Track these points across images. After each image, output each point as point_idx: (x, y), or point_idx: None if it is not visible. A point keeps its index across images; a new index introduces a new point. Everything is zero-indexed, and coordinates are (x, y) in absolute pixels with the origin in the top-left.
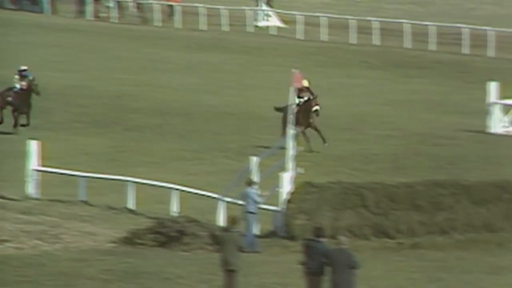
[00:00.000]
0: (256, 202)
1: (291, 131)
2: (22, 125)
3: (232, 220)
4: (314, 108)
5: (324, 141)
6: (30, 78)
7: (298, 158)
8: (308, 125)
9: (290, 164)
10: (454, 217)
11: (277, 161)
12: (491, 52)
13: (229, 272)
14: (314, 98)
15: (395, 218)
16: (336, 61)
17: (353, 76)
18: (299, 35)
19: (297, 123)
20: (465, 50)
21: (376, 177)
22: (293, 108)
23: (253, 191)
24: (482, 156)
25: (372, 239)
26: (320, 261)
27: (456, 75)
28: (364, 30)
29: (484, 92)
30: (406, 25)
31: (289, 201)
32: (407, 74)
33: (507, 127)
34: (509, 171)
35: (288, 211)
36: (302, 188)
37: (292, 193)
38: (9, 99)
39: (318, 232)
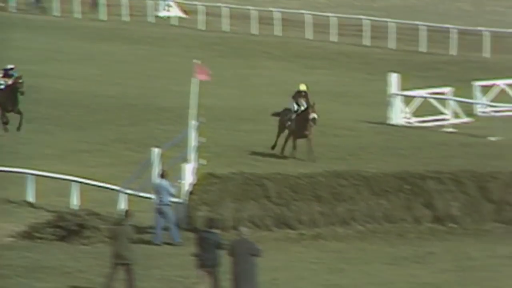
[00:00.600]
0: (170, 194)
1: (193, 122)
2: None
3: (125, 214)
4: (311, 116)
5: (311, 158)
6: (15, 77)
7: (200, 149)
8: (304, 136)
9: (192, 156)
10: (354, 208)
11: (179, 153)
12: (391, 44)
13: (124, 266)
14: (312, 106)
15: (296, 208)
16: (238, 51)
17: (255, 67)
18: (200, 25)
19: (293, 131)
20: (366, 41)
21: (278, 167)
22: (291, 114)
23: (167, 182)
24: (383, 147)
25: (274, 230)
26: (214, 252)
27: (357, 67)
28: (265, 20)
29: (385, 83)
30: (308, 16)
31: (191, 192)
32: (308, 65)
33: (408, 118)
34: (410, 162)
35: (190, 203)
36: (204, 179)
37: (194, 185)
38: None
39: (211, 223)
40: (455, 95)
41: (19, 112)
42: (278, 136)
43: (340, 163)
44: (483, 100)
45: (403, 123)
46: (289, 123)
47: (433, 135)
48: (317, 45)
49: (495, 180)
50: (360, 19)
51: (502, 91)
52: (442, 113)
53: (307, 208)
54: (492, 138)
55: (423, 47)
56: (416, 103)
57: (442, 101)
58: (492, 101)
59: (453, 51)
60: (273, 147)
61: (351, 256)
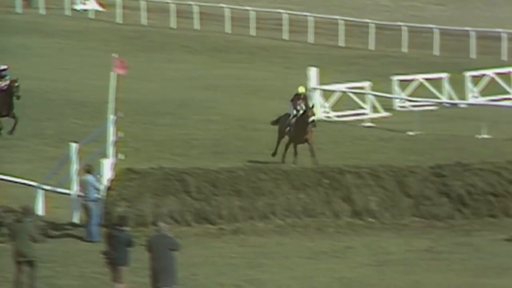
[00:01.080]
0: (97, 189)
1: (111, 116)
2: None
3: (24, 210)
4: (311, 119)
5: (314, 161)
6: (8, 78)
7: (118, 144)
8: (304, 140)
9: (110, 150)
10: (274, 202)
11: (98, 148)
12: (310, 38)
13: (27, 263)
14: (310, 108)
15: (216, 203)
16: (156, 45)
17: (174, 60)
18: (118, 18)
19: (294, 136)
20: (285, 35)
21: (198, 162)
22: (290, 119)
23: (93, 178)
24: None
25: (193, 225)
26: (123, 250)
27: (276, 61)
28: (183, 14)
29: (304, 77)
30: (226, 9)
31: (109, 188)
32: (227, 59)
33: (327, 112)
34: (329, 157)
35: (109, 199)
36: (123, 174)
37: (113, 180)
38: None
39: (121, 220)
40: (374, 89)
41: (14, 117)
42: (278, 142)
43: (260, 158)
44: (402, 94)
45: (323, 118)
46: (289, 128)
47: (352, 130)
48: (236, 39)
49: (413, 175)
50: (279, 13)
51: (421, 86)
52: (361, 108)
53: (227, 203)
54: (411, 133)
55: (341, 42)
56: (335, 97)
57: (361, 95)
58: (410, 95)
59: (371, 45)
60: (273, 154)
61: (271, 250)
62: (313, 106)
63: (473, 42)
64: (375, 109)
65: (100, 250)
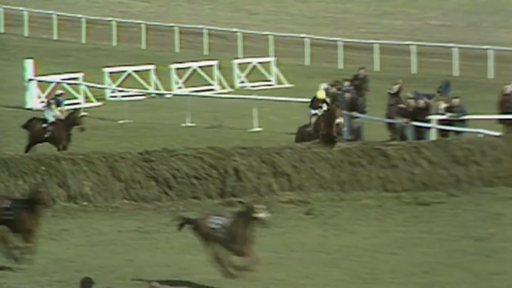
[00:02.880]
0: None
1: None
2: None
3: None
4: (338, 121)
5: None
6: (64, 104)
7: None
8: (333, 141)
9: None
10: None
11: None
12: (25, 31)
13: None
14: (339, 108)
15: None
16: None
17: None
18: None
19: (322, 134)
20: (1, 28)
21: None
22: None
23: None
24: (20, 131)
25: None
26: None
27: None
28: None
29: (20, 69)
30: None
31: None
32: None
33: (43, 102)
34: (45, 144)
35: None
36: None
37: None
38: None
39: None
40: (87, 80)
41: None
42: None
43: None
44: (112, 85)
45: (39, 107)
46: (309, 129)
47: None
48: None
49: (124, 160)
50: None
51: (130, 77)
52: (75, 98)
53: None
54: (121, 121)
55: (55, 35)
56: (50, 88)
57: (75, 86)
58: (120, 86)
59: (83, 39)
60: None
61: None
62: (338, 106)
63: (176, 37)
64: (88, 99)
65: None
